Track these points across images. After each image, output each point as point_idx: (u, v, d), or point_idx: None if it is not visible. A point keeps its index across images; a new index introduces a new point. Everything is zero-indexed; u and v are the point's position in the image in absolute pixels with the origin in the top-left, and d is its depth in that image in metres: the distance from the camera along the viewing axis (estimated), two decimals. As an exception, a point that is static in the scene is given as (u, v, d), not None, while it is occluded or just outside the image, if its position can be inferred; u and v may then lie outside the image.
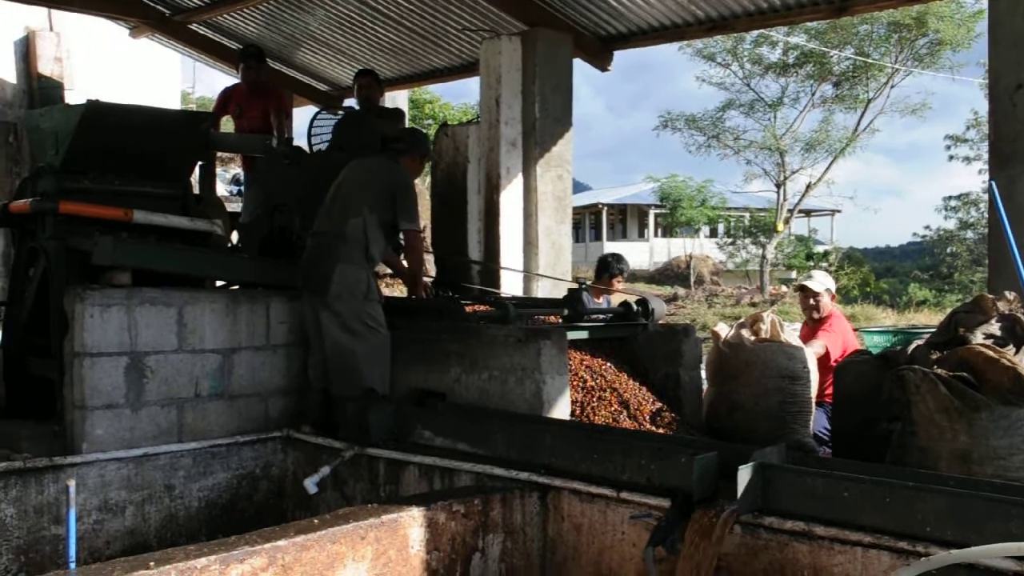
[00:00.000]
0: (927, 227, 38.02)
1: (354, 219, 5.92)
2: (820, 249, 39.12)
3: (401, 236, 6.30)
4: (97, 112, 5.83)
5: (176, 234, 6.14)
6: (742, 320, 6.32)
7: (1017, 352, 4.81)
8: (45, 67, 12.51)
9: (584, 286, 7.01)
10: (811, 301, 6.82)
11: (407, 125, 10.08)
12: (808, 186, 35.54)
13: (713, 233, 45.85)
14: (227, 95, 9.18)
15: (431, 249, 8.91)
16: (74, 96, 11.83)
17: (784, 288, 31.17)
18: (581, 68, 9.70)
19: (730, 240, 41.00)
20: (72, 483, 3.63)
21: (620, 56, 9.73)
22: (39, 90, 12.36)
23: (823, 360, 6.35)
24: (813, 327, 6.83)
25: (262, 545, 3.48)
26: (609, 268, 7.88)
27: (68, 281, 5.50)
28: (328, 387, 5.91)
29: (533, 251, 8.75)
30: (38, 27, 12.67)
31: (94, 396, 5.22)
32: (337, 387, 5.82)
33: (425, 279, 6.49)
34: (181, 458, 5.56)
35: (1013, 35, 6.04)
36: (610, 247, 45.59)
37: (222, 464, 5.73)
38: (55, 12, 12.50)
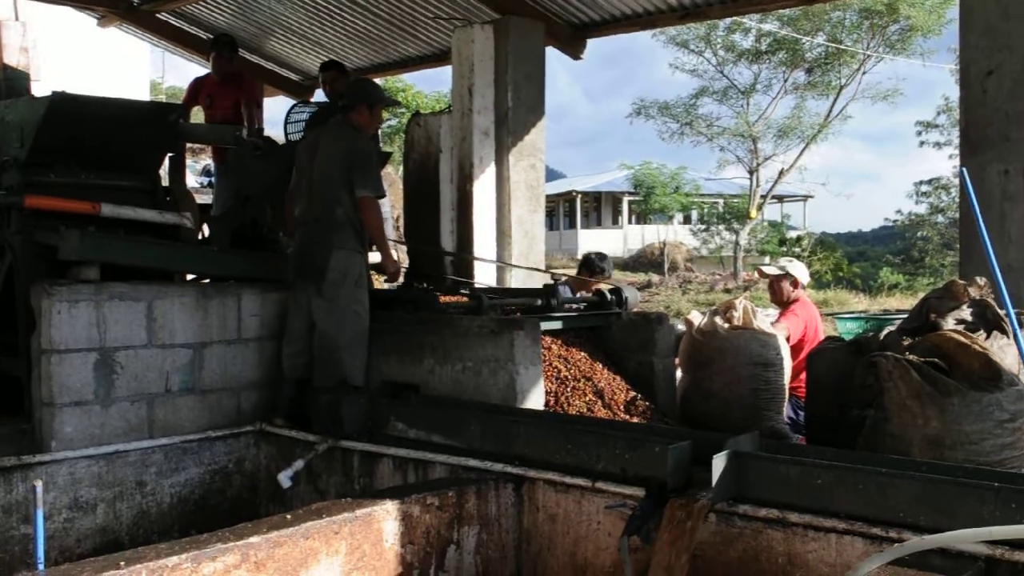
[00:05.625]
0: (898, 212, 38.25)
1: (339, 207, 5.81)
2: (793, 235, 39.30)
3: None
4: (63, 104, 5.75)
5: (145, 227, 6.07)
6: (715, 307, 6.32)
7: (988, 337, 4.85)
8: (11, 57, 12.27)
9: (561, 279, 6.99)
10: (773, 285, 6.98)
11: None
12: (781, 172, 35.71)
13: (687, 220, 45.93)
14: (198, 85, 9.09)
15: (403, 239, 8.88)
16: (41, 87, 11.59)
17: (757, 274, 31.29)
18: (558, 55, 9.69)
19: (704, 227, 41.11)
20: (39, 483, 3.59)
21: (598, 43, 9.72)
22: (4, 81, 12.14)
23: None
24: (781, 312, 6.91)
25: (234, 542, 3.45)
26: (591, 267, 7.87)
27: (35, 276, 5.42)
28: (308, 377, 5.84)
29: (506, 240, 8.72)
30: (3, 16, 12.41)
31: (62, 393, 5.16)
32: (320, 378, 5.76)
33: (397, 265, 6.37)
34: (152, 454, 5.51)
35: (984, 22, 6.06)
36: (584, 235, 45.69)
37: (194, 459, 5.68)
38: (21, 1, 12.32)
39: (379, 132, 9.58)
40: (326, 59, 10.26)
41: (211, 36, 10.12)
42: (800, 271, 7.02)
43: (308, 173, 5.99)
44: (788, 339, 6.45)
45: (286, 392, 5.92)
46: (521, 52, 8.77)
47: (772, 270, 7.11)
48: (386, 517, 3.95)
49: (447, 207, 8.57)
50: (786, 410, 6.22)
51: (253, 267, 6.32)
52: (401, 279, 6.85)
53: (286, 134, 8.02)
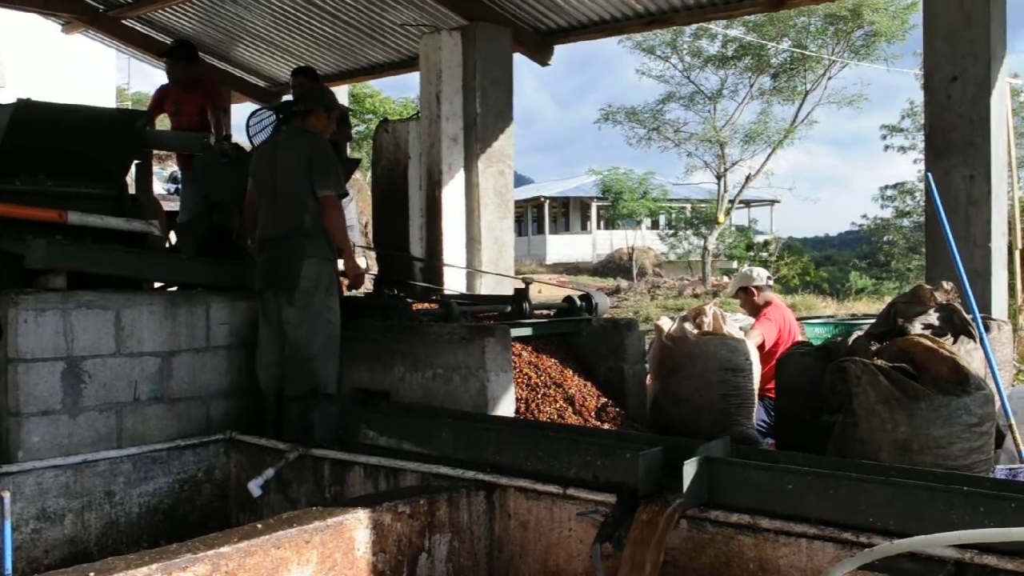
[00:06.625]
0: (864, 216, 38.60)
1: (306, 214, 5.74)
2: (760, 239, 39.56)
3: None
4: (28, 111, 5.70)
5: (112, 235, 6.02)
6: (684, 313, 6.36)
7: (955, 342, 4.90)
8: (-26, 64, 12.22)
9: (531, 282, 6.99)
10: (741, 299, 7.13)
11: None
12: (748, 177, 35.95)
13: (655, 225, 46.12)
14: (163, 92, 9.01)
15: (372, 246, 8.85)
16: (5, 94, 11.53)
17: (726, 279, 31.45)
18: (526, 62, 9.71)
19: (672, 232, 41.29)
20: (6, 494, 3.53)
21: (565, 49, 9.73)
22: (-32, 88, 12.07)
23: (759, 350, 6.43)
24: (755, 319, 6.97)
25: (205, 552, 3.42)
26: None
27: (1, 285, 5.36)
28: (282, 388, 5.80)
29: (476, 247, 8.72)
30: (-34, 24, 12.38)
31: (29, 403, 5.11)
32: (292, 387, 5.72)
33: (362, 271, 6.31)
34: (121, 464, 5.45)
35: (948, 28, 6.13)
36: (553, 240, 45.81)
37: (163, 469, 5.63)
38: (-17, 8, 12.21)
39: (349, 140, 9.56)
40: (294, 65, 10.25)
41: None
42: (755, 277, 7.09)
43: (270, 182, 5.91)
44: (763, 345, 6.50)
45: (271, 408, 5.87)
46: (489, 58, 8.78)
47: (730, 290, 7.27)
48: (357, 525, 3.93)
49: (416, 213, 8.55)
50: (760, 414, 6.26)
51: (221, 275, 6.27)
52: (370, 287, 6.82)
53: (250, 141, 7.96)
